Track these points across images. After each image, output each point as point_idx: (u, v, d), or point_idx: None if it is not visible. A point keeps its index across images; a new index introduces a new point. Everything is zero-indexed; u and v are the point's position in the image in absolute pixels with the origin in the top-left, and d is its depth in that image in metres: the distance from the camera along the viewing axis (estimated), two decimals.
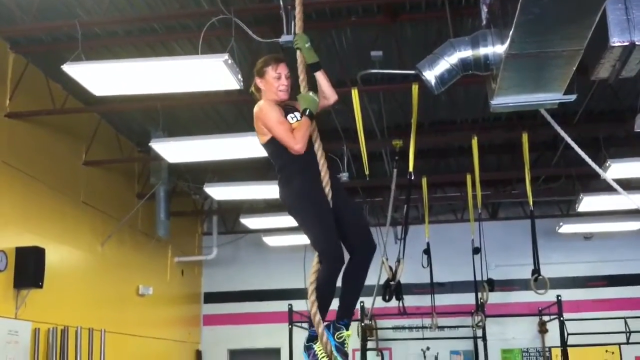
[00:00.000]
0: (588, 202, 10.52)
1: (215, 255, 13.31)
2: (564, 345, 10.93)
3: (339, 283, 3.93)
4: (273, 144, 4.10)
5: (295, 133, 4.00)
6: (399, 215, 11.50)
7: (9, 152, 7.91)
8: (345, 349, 3.92)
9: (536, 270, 8.28)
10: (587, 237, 13.32)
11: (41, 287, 7.90)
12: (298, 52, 4.16)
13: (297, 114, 4.13)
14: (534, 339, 13.20)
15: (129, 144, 10.88)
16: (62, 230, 8.94)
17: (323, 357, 3.88)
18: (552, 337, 12.45)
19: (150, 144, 8.38)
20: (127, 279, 10.86)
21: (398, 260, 8.76)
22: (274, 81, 4.20)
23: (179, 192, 11.98)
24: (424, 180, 10.16)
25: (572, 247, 13.26)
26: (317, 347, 3.90)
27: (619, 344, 11.61)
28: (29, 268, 7.81)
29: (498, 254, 12.54)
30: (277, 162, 4.19)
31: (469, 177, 9.83)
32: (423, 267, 9.92)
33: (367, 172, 8.04)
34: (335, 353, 3.85)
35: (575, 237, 13.19)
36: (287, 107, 4.19)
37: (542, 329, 13.07)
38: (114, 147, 10.45)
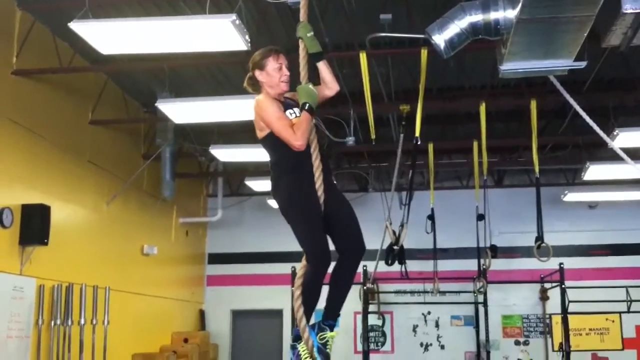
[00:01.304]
0: (594, 171, 10.50)
1: (220, 217, 13.37)
2: (564, 312, 11.00)
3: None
4: (271, 140, 4.01)
5: (296, 129, 3.90)
6: (404, 180, 11.49)
7: (15, 110, 7.90)
8: (328, 350, 3.90)
9: (539, 238, 8.27)
10: (592, 206, 13.32)
11: (46, 244, 7.95)
12: (300, 41, 4.04)
13: (297, 110, 4.03)
14: (535, 305, 13.30)
15: (135, 104, 10.86)
16: (67, 188, 8.97)
17: (306, 357, 3.83)
18: (553, 304, 12.53)
19: (156, 104, 8.36)
20: (132, 239, 10.93)
21: (402, 225, 8.78)
22: (275, 72, 4.09)
23: (185, 154, 11.98)
24: (430, 146, 10.13)
25: (577, 216, 13.28)
26: (301, 347, 3.86)
27: (620, 313, 11.68)
28: (35, 225, 7.85)
29: (502, 221, 12.59)
30: (272, 157, 4.12)
31: (475, 144, 9.80)
32: (427, 232, 9.95)
33: (373, 137, 8.01)
34: (316, 354, 3.83)
35: (580, 205, 13.20)
36: (286, 101, 4.12)
37: (543, 296, 13.15)
38: (120, 107, 10.43)
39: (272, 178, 4.12)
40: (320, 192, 3.95)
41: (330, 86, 4.20)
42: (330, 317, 4.02)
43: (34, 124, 8.21)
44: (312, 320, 3.95)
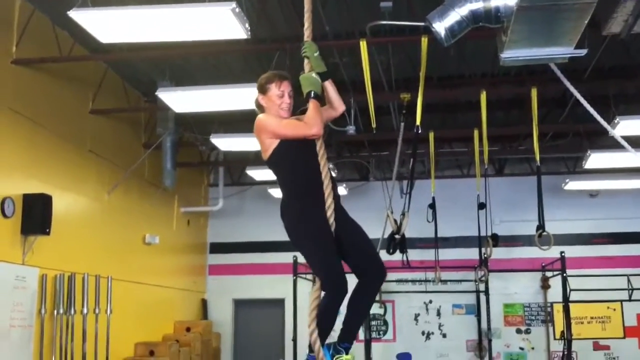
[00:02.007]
0: (595, 159, 10.48)
1: (221, 206, 13.38)
2: (565, 301, 11.01)
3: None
4: (278, 154, 3.97)
5: (307, 120, 3.88)
6: (405, 169, 11.48)
7: (15, 99, 7.90)
8: None
9: (541, 226, 8.27)
10: (593, 194, 13.32)
11: (48, 233, 7.97)
12: (306, 60, 4.03)
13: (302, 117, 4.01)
14: (536, 294, 13.32)
15: (135, 94, 10.85)
16: (68, 178, 8.98)
17: None
18: (554, 292, 12.54)
19: (156, 93, 8.35)
20: (134, 228, 10.94)
21: (403, 214, 8.78)
22: (276, 99, 4.07)
23: (186, 143, 11.98)
24: (431, 135, 10.12)
25: (578, 204, 13.28)
26: None
27: (621, 301, 11.70)
28: (36, 215, 7.86)
29: (503, 210, 12.60)
30: (280, 178, 4.08)
31: (476, 133, 9.79)
32: (428, 221, 9.95)
33: (374, 125, 8.00)
34: None
35: (580, 194, 13.19)
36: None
37: (545, 285, 13.17)
38: (121, 96, 10.42)
39: (283, 200, 4.07)
40: (331, 217, 3.89)
41: (336, 106, 4.20)
42: (347, 339, 3.98)
43: (34, 114, 8.21)
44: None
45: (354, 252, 3.96)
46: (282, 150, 3.98)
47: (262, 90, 4.12)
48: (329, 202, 3.90)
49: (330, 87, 4.13)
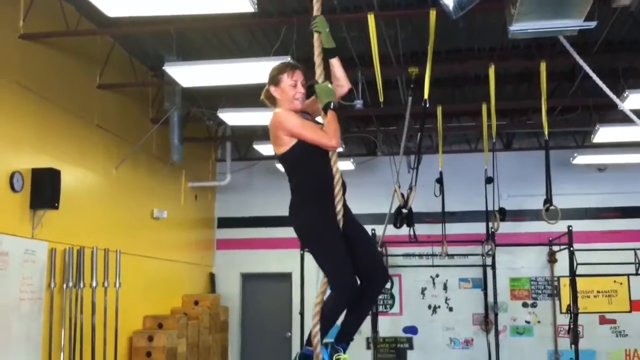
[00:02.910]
0: (604, 133, 10.43)
1: (228, 181, 13.41)
2: (572, 275, 11.04)
3: None
4: (293, 153, 3.95)
5: (327, 129, 3.86)
6: (413, 144, 11.47)
7: (23, 74, 7.90)
8: None
9: (548, 200, 8.26)
10: (601, 168, 13.28)
11: (57, 208, 8.01)
12: (316, 35, 3.99)
13: (319, 119, 3.98)
14: (543, 268, 13.34)
15: (142, 68, 10.83)
16: (76, 152, 9.01)
17: None
18: (561, 267, 12.57)
19: (164, 67, 8.33)
20: (142, 203, 10.99)
21: (410, 188, 8.78)
22: (289, 89, 4.03)
23: (193, 118, 11.98)
24: (439, 109, 10.09)
25: (586, 179, 13.25)
26: None
27: (628, 275, 11.72)
28: (45, 189, 7.89)
29: (511, 185, 12.60)
30: (293, 177, 4.06)
31: (484, 107, 9.75)
32: (435, 196, 9.95)
33: (381, 100, 7.98)
34: None
35: (589, 168, 13.15)
36: (303, 115, 4.07)
37: (552, 259, 13.19)
38: (128, 71, 10.40)
39: (293, 205, 4.06)
40: (340, 221, 3.92)
41: (342, 83, 4.17)
42: (345, 340, 4.04)
43: (42, 88, 8.22)
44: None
45: (359, 255, 3.97)
46: (299, 149, 3.95)
47: (274, 81, 4.08)
48: (339, 207, 3.92)
49: (337, 64, 4.11)
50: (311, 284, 11.56)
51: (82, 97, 9.19)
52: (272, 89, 4.11)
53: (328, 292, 3.94)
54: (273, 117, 4.01)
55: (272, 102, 4.18)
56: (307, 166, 3.96)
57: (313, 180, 3.96)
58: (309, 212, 3.95)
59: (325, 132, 3.88)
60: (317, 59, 4.00)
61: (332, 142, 3.85)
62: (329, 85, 3.96)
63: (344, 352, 4.00)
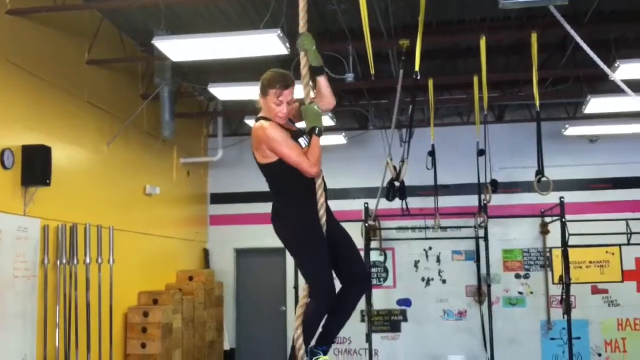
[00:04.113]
0: (595, 104, 10.44)
1: (220, 156, 13.38)
2: (564, 245, 11.11)
3: None
4: (277, 167, 3.92)
5: (310, 156, 3.83)
6: (405, 118, 11.46)
7: (11, 50, 7.83)
8: None
9: (540, 172, 8.28)
10: (592, 139, 13.30)
11: (49, 184, 7.99)
12: (302, 53, 3.92)
13: (302, 140, 3.93)
14: (535, 240, 13.42)
15: (131, 44, 10.75)
16: (67, 129, 8.96)
17: None
18: (553, 238, 12.64)
19: (153, 41, 8.27)
20: (134, 179, 10.97)
21: (402, 160, 8.80)
22: (273, 106, 3.98)
23: (184, 93, 11.92)
24: (430, 82, 10.07)
25: (577, 150, 13.28)
26: None
27: (620, 245, 11.80)
28: (36, 166, 7.86)
29: (503, 157, 12.63)
30: (275, 185, 4.04)
31: (475, 79, 9.73)
32: (427, 169, 9.97)
33: (372, 72, 7.94)
34: None
35: (580, 139, 13.18)
36: (289, 127, 4.05)
37: (544, 230, 13.26)
38: (117, 46, 10.33)
39: (275, 209, 4.03)
40: (324, 226, 3.91)
41: (328, 101, 4.12)
42: (325, 343, 4.06)
43: (31, 64, 8.15)
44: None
45: (342, 259, 3.98)
46: (282, 163, 3.92)
47: (262, 91, 4.03)
48: (322, 211, 3.90)
49: (324, 83, 4.05)
50: None
51: (71, 74, 9.12)
52: (260, 96, 4.08)
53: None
54: (258, 128, 3.96)
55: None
56: (289, 175, 3.92)
57: (295, 187, 3.94)
58: (292, 218, 3.95)
59: (307, 158, 3.83)
60: (305, 79, 3.95)
61: (313, 170, 3.83)
62: (316, 108, 3.91)
63: (325, 354, 4.03)
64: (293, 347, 3.96)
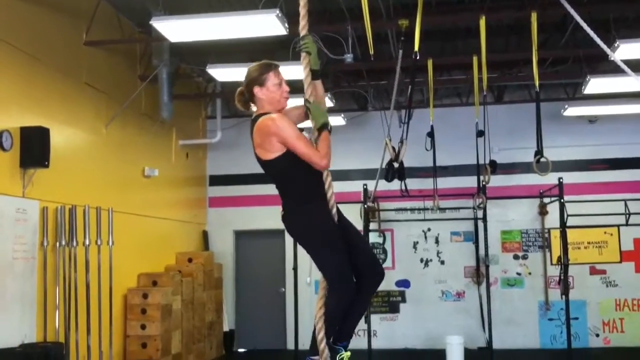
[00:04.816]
0: (594, 84, 10.41)
1: (219, 138, 13.35)
2: (563, 226, 11.12)
3: None
4: (283, 161, 3.89)
5: (321, 149, 3.82)
6: (404, 99, 11.42)
7: (9, 32, 7.78)
8: None
9: (539, 152, 8.28)
10: (592, 120, 13.29)
11: (47, 166, 7.97)
12: (304, 55, 3.90)
13: (305, 133, 3.95)
14: (534, 220, 13.44)
15: (129, 25, 10.69)
16: (65, 111, 8.93)
17: None
18: (552, 218, 12.67)
19: (151, 22, 8.21)
20: (133, 161, 10.95)
21: (401, 141, 8.79)
22: (275, 88, 3.97)
23: (182, 75, 11.87)
24: (430, 63, 10.03)
25: (576, 131, 13.28)
26: None
27: (618, 226, 11.82)
28: (35, 148, 7.84)
29: (502, 138, 12.62)
30: (281, 182, 4.02)
31: (475, 59, 9.70)
32: (426, 149, 9.96)
33: (372, 52, 7.91)
34: None
35: (579, 120, 13.18)
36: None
37: (542, 211, 13.27)
38: (115, 27, 10.27)
39: (287, 208, 4.03)
40: (334, 213, 3.93)
41: (323, 103, 4.10)
42: (345, 338, 4.07)
43: (28, 46, 8.11)
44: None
45: (354, 254, 3.97)
46: (289, 157, 3.90)
47: (259, 82, 4.00)
48: (332, 202, 3.93)
49: (320, 86, 4.05)
50: None
51: (69, 55, 9.07)
52: (257, 90, 4.02)
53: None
54: (267, 119, 3.92)
55: (246, 105, 4.15)
56: (296, 171, 3.92)
57: (304, 183, 3.94)
58: (306, 218, 3.94)
59: (317, 151, 3.83)
60: (307, 80, 3.95)
61: (323, 162, 3.83)
62: (321, 106, 3.94)
63: (345, 350, 4.05)
64: (314, 340, 3.97)
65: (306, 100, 3.96)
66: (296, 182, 3.97)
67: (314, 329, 3.98)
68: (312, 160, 3.84)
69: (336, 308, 3.91)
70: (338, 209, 4.04)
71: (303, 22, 3.96)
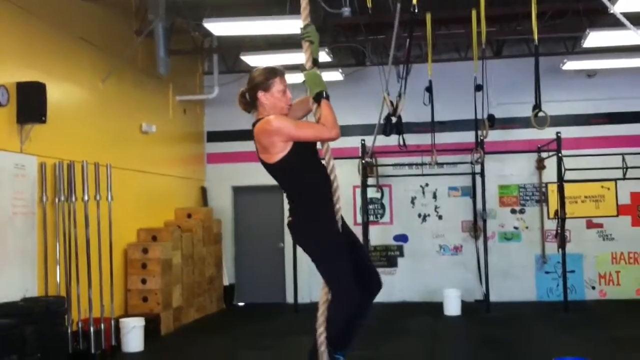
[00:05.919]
0: (594, 38, 10.33)
1: (216, 94, 13.28)
2: (560, 180, 11.17)
3: None
4: (289, 160, 3.85)
5: (325, 122, 3.74)
6: (402, 54, 11.34)
7: None
8: None
9: (537, 106, 8.26)
10: (590, 74, 13.23)
11: (44, 122, 7.96)
12: (306, 44, 3.86)
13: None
14: (532, 175, 13.47)
15: None
16: (61, 66, 8.88)
17: None
18: (550, 173, 12.69)
19: None
20: (130, 117, 10.93)
21: (399, 95, 8.75)
22: (280, 95, 3.94)
23: (179, 30, 11.76)
24: (428, 17, 9.94)
25: (575, 85, 13.24)
26: None
27: (615, 180, 11.86)
28: (31, 103, 7.81)
29: (501, 92, 12.56)
30: (290, 186, 3.98)
31: (474, 13, 9.61)
32: (424, 104, 9.92)
33: (369, 5, 7.83)
34: None
35: (578, 74, 13.12)
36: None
37: (540, 166, 13.30)
38: None
39: (295, 216, 3.99)
40: (339, 217, 3.90)
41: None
42: (344, 348, 4.07)
43: (24, 0, 8.02)
44: None
45: (354, 262, 3.96)
46: (294, 155, 3.87)
47: (264, 87, 3.98)
48: (338, 206, 3.89)
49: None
50: None
51: (64, 9, 8.99)
52: (261, 95, 4.00)
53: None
54: (264, 123, 3.90)
55: (248, 108, 4.13)
56: (302, 170, 3.90)
57: (312, 184, 3.92)
58: (314, 227, 3.92)
59: (322, 126, 3.76)
60: (308, 67, 3.91)
61: (333, 133, 3.75)
62: (318, 72, 3.84)
63: (344, 358, 4.06)
64: (314, 343, 3.99)
65: (302, 67, 3.93)
66: (304, 182, 3.95)
67: (316, 333, 3.98)
68: (322, 137, 3.80)
69: (341, 318, 3.92)
70: (342, 218, 4.02)
71: (305, 13, 3.94)
